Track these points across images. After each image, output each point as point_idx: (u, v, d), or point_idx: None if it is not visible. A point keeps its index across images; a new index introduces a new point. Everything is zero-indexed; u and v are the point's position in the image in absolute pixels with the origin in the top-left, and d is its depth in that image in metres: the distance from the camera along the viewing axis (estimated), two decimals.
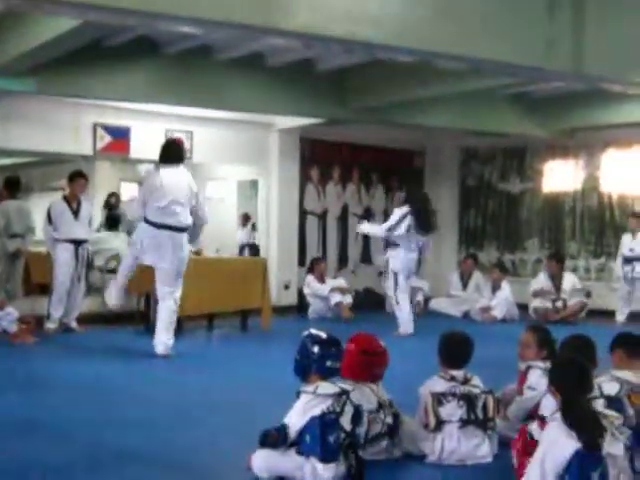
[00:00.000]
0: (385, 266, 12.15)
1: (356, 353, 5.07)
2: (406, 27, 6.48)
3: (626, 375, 5.13)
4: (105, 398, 7.08)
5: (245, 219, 15.90)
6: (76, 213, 11.07)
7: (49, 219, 11.05)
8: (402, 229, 11.39)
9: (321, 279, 13.67)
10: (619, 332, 5.74)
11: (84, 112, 12.15)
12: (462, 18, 6.70)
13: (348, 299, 13.59)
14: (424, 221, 11.54)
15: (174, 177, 9.25)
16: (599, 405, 4.57)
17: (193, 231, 9.64)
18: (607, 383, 5.03)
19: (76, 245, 11.02)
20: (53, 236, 11.01)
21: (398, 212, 11.60)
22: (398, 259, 11.56)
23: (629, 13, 7.28)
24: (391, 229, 11.48)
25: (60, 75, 10.12)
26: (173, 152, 9.49)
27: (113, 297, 9.61)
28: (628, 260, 13.08)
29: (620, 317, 13.10)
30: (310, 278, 13.69)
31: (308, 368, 4.76)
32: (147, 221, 9.14)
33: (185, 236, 9.32)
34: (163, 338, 9.16)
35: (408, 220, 11.41)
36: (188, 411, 6.61)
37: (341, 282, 13.89)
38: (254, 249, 14.81)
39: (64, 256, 10.96)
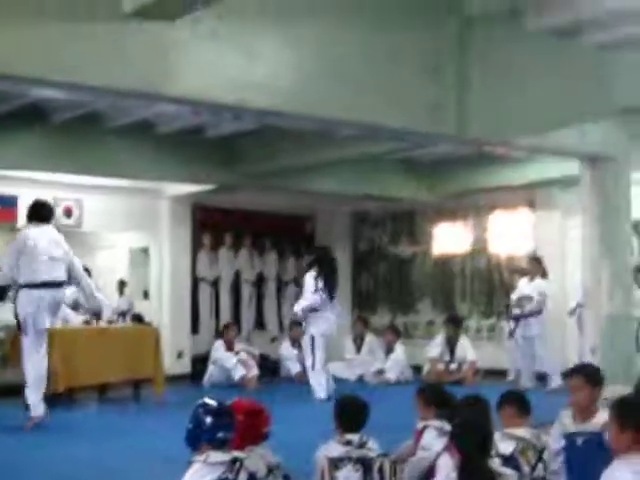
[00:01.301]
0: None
1: (240, 417, 4.96)
2: (296, 93, 6.55)
3: (519, 432, 5.18)
4: None
5: (122, 285, 15.58)
6: None
7: None
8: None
9: (229, 346, 13.49)
10: (505, 390, 5.80)
11: None
12: (351, 85, 6.81)
13: (254, 371, 13.32)
14: (332, 283, 11.60)
15: (45, 235, 9.12)
16: (495, 464, 4.60)
17: (84, 293, 9.54)
18: (501, 442, 5.06)
19: None
20: None
21: (310, 276, 11.63)
22: (317, 324, 11.55)
23: (511, 79, 7.49)
24: (316, 291, 11.50)
25: None
26: (42, 211, 9.33)
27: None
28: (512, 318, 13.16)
29: (511, 376, 13.25)
30: (219, 343, 13.53)
31: (199, 438, 4.65)
32: (24, 285, 8.93)
33: (63, 291, 9.18)
34: (40, 398, 8.93)
35: (319, 282, 11.46)
36: None
37: (250, 350, 13.68)
38: (138, 318, 14.42)
39: None
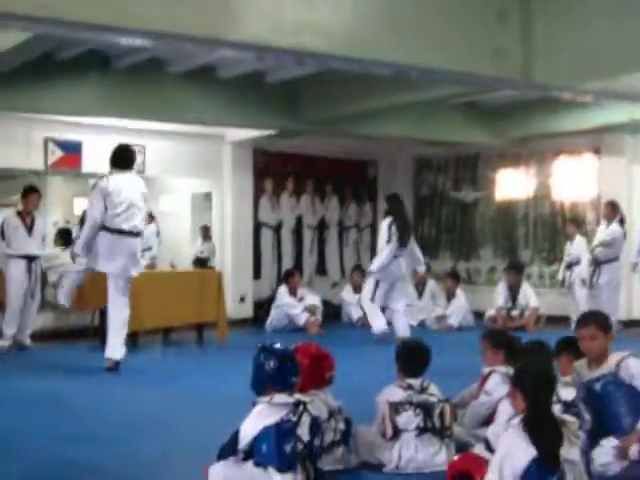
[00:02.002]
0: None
1: (305, 361, 4.99)
2: (356, 37, 6.49)
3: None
4: (56, 413, 7.01)
5: (206, 231, 15.64)
6: (30, 229, 11.00)
7: (2, 235, 10.94)
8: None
9: (293, 292, 13.60)
10: (561, 337, 5.76)
11: (35, 127, 12.04)
12: (411, 27, 6.73)
13: (317, 316, 13.42)
14: (404, 233, 11.66)
15: (128, 182, 9.17)
16: (556, 410, 4.59)
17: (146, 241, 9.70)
18: (563, 389, 5.05)
19: (29, 261, 10.91)
20: (6, 252, 10.89)
21: (384, 224, 11.70)
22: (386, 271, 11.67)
23: (577, 22, 7.33)
24: (389, 240, 11.57)
25: (10, 89, 10.03)
26: (125, 158, 9.35)
27: (63, 297, 9.66)
28: (567, 265, 13.17)
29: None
30: (283, 289, 13.64)
31: (264, 382, 4.69)
32: (103, 227, 9.01)
33: (139, 241, 9.26)
34: (120, 345, 9.05)
35: (392, 230, 11.52)
36: (142, 425, 6.56)
37: (315, 299, 13.73)
38: (202, 262, 14.60)
39: (17, 272, 10.85)
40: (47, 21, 5.23)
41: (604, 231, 12.52)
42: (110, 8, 5.38)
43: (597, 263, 12.52)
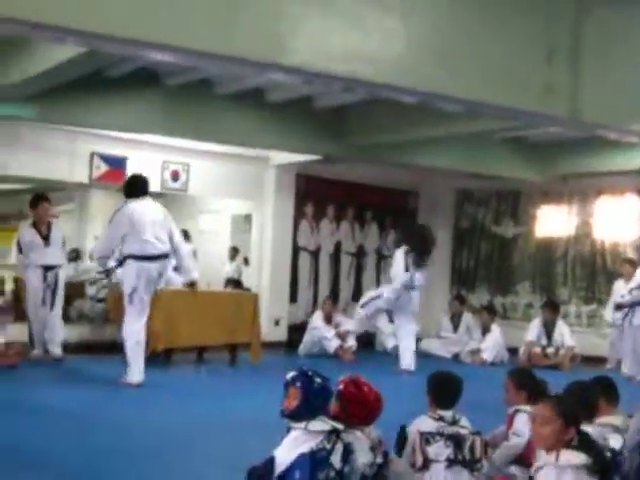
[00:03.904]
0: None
1: (355, 399, 4.82)
2: (406, 67, 6.52)
3: (615, 421, 5.12)
4: (82, 425, 7.07)
5: (234, 252, 15.77)
6: (46, 238, 10.87)
7: (19, 247, 10.93)
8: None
9: (328, 319, 13.61)
10: (597, 377, 5.72)
11: (81, 140, 12.18)
12: (462, 60, 6.75)
13: (351, 343, 13.37)
14: (422, 253, 11.75)
15: (147, 208, 9.42)
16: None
17: (180, 261, 9.79)
18: (612, 437, 4.96)
19: (45, 270, 10.83)
20: (25, 263, 10.88)
21: (399, 253, 11.77)
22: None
23: (626, 61, 7.33)
24: (407, 270, 11.71)
25: (60, 103, 10.16)
26: (140, 185, 9.65)
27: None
28: (618, 307, 13.06)
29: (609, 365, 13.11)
30: (318, 314, 13.69)
31: (300, 413, 4.66)
32: (132, 257, 9.23)
33: (167, 262, 9.46)
34: (141, 367, 9.28)
35: (408, 258, 11.59)
36: (172, 441, 6.60)
37: (351, 324, 13.57)
38: (237, 284, 14.65)
39: (33, 281, 10.81)
40: (103, 38, 5.31)
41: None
42: (164, 27, 5.45)
43: (632, 305, 12.45)
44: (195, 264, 11.88)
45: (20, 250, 10.90)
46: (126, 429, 7.04)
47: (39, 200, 11.02)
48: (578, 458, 4.03)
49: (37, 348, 10.83)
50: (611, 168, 13.16)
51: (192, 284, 10.60)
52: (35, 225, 10.93)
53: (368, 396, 4.89)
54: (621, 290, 13.04)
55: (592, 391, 5.42)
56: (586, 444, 4.20)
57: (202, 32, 5.65)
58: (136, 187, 9.56)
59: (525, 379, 5.85)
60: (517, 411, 5.59)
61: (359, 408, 4.80)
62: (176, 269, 11.38)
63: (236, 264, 15.44)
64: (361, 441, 4.72)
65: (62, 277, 11.07)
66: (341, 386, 4.87)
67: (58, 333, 11.05)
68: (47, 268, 10.85)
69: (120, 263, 9.47)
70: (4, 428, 6.71)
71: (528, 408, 5.49)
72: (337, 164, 13.94)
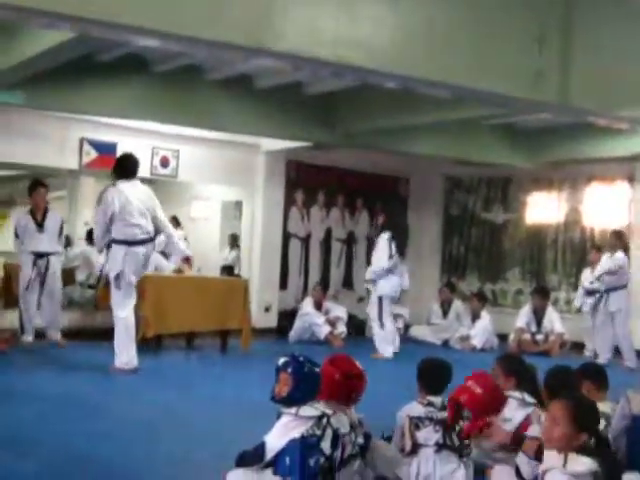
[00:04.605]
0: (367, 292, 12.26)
1: (337, 377, 4.86)
2: (396, 53, 6.51)
3: (602, 407, 5.13)
4: (74, 410, 7.07)
5: (233, 240, 15.68)
6: (40, 225, 10.88)
7: (15, 233, 10.96)
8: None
9: (319, 305, 13.64)
10: (583, 363, 5.73)
11: (71, 127, 12.16)
12: (452, 47, 6.75)
13: (341, 329, 13.48)
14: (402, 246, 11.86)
15: (137, 191, 9.30)
16: None
17: (170, 239, 9.73)
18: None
19: (36, 257, 10.81)
20: (20, 249, 10.90)
21: (384, 239, 11.79)
22: (385, 286, 11.74)
23: (616, 47, 7.34)
24: (391, 256, 11.73)
25: (49, 89, 10.13)
26: (130, 165, 9.47)
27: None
28: (589, 293, 13.05)
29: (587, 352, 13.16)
30: (308, 301, 13.71)
31: (291, 399, 4.66)
32: (117, 241, 9.13)
33: (154, 245, 9.42)
34: (133, 352, 9.20)
35: (392, 245, 11.64)
36: (161, 427, 6.61)
37: (340, 311, 13.74)
38: (230, 271, 14.60)
39: (25, 268, 10.81)
40: (92, 23, 5.30)
41: (607, 260, 12.49)
42: (152, 13, 5.43)
43: (598, 292, 12.56)
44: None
45: (17, 235, 10.92)
46: (116, 413, 7.05)
47: (35, 186, 11.03)
48: (584, 466, 3.86)
49: (27, 334, 10.81)
50: (601, 154, 13.15)
51: (187, 259, 10.57)
52: (31, 212, 10.96)
53: (344, 373, 4.86)
54: (589, 277, 13.07)
55: (573, 376, 5.46)
56: (598, 449, 4.04)
57: (190, 17, 5.64)
58: (127, 167, 9.39)
59: (514, 365, 5.86)
60: (506, 397, 5.60)
61: (335, 386, 4.79)
62: (164, 254, 11.39)
63: (236, 252, 15.38)
64: (343, 421, 4.73)
65: (56, 265, 11.05)
66: (323, 367, 4.88)
67: (56, 319, 11.12)
68: (39, 255, 10.83)
69: (108, 246, 9.28)
70: None
71: (517, 394, 5.52)
72: (327, 151, 13.93)
